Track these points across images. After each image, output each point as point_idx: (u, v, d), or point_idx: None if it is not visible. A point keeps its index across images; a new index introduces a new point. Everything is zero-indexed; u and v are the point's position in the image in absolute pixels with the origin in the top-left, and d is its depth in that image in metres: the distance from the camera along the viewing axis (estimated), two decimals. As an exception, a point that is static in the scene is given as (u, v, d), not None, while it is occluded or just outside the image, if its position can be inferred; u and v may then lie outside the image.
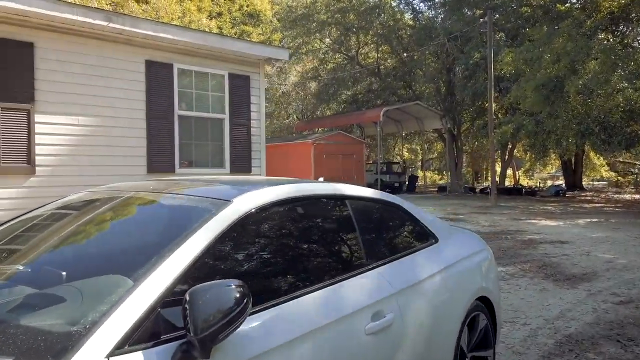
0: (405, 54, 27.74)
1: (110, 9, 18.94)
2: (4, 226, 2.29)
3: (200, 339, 1.40)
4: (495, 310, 3.32)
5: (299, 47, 29.61)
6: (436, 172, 44.99)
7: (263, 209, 2.04)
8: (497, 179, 28.55)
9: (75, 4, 6.18)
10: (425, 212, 3.17)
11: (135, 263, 1.64)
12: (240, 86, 7.29)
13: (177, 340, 1.47)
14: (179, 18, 23.45)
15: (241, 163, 7.30)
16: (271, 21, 31.49)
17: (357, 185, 2.87)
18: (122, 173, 6.02)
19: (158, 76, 6.48)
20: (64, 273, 1.77)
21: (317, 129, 28.70)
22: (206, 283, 1.51)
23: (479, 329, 3.11)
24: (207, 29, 21.58)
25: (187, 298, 1.43)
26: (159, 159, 6.43)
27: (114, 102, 6.12)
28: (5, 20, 5.32)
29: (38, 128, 5.52)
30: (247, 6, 30.82)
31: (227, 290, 1.49)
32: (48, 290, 1.70)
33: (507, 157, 29.32)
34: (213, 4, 29.61)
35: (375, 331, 2.13)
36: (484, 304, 3.19)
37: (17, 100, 5.38)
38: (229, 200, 1.96)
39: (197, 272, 1.66)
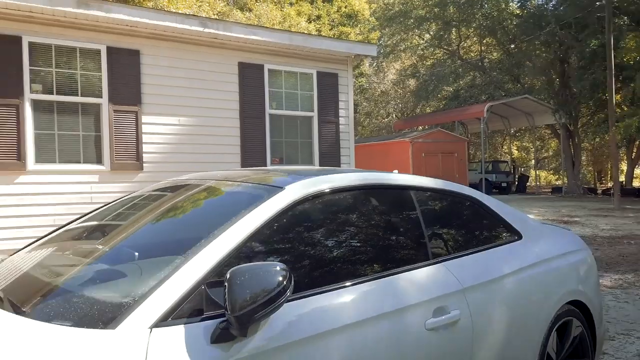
0: (512, 45, 26.06)
1: (217, 18, 20.25)
2: (100, 210, 2.54)
3: (237, 316, 1.43)
4: (594, 318, 2.98)
5: (397, 44, 29.21)
6: (551, 171, 41.61)
7: (317, 196, 2.03)
8: (623, 179, 25.67)
9: (174, 12, 6.69)
10: (511, 208, 2.93)
11: (188, 245, 1.71)
12: (328, 84, 7.37)
13: (219, 318, 1.51)
14: (279, 23, 24.35)
15: (330, 160, 7.37)
16: (368, 20, 31.43)
17: (460, 184, 2.75)
18: (218, 170, 6.38)
19: (250, 77, 6.78)
20: (136, 253, 1.92)
21: (416, 127, 28.05)
22: (248, 264, 1.54)
23: (572, 337, 2.81)
24: (305, 32, 22.13)
25: (228, 277, 1.47)
26: (252, 156, 6.72)
27: (211, 103, 6.52)
28: (116, 31, 5.91)
29: (145, 128, 6.06)
30: (345, 7, 31.08)
31: (267, 273, 1.50)
32: (117, 267, 1.84)
33: (633, 154, 26.24)
34: (312, 7, 30.31)
35: (436, 327, 2.02)
36: (580, 310, 2.88)
37: (127, 103, 5.96)
38: (282, 187, 1.98)
39: (242, 254, 1.69)
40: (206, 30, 6.24)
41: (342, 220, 2.15)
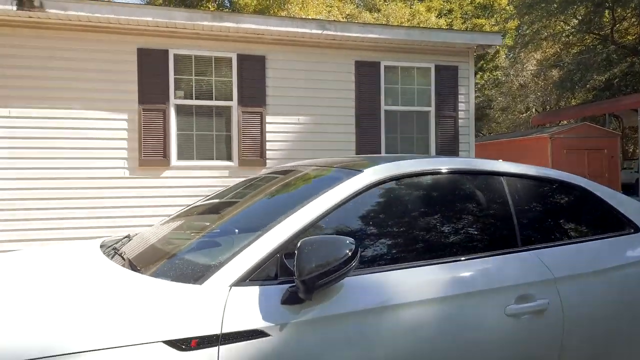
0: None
1: (345, 20, 20.82)
2: (217, 193, 2.91)
3: (303, 281, 1.59)
4: None
5: (538, 32, 26.97)
6: None
7: (395, 178, 2.11)
8: None
9: (295, 18, 7.13)
10: (629, 198, 2.67)
11: (272, 220, 1.93)
12: (447, 77, 7.21)
13: (290, 284, 1.69)
14: (407, 20, 24.16)
15: (448, 155, 7.20)
16: (505, 10, 29.53)
17: (609, 185, 2.61)
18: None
19: (366, 74, 6.95)
20: (236, 229, 2.20)
21: (558, 122, 25.65)
22: (318, 236, 1.70)
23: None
24: (435, 27, 21.64)
25: (298, 245, 1.64)
26: (366, 152, 6.88)
27: (327, 102, 6.83)
28: (245, 40, 6.52)
29: (268, 127, 6.59)
30: (479, -2, 29.64)
31: (333, 245, 1.65)
32: (217, 239, 2.14)
33: None
34: (443, 1, 29.45)
35: (517, 314, 1.97)
36: None
37: (253, 105, 6.54)
38: (360, 171, 2.10)
39: (319, 229, 1.85)
40: (324, 32, 6.56)
41: (422, 202, 2.19)
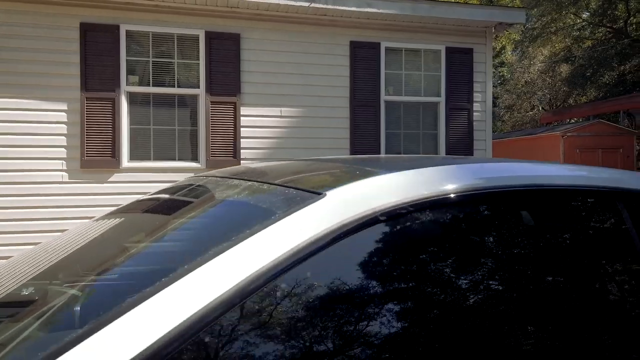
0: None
1: None
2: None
3: None
4: None
5: (547, 25, 25.74)
6: None
7: (405, 209, 0.94)
8: None
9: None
10: None
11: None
12: (460, 62, 6.02)
13: None
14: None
15: (460, 154, 6.02)
16: (511, 3, 28.29)
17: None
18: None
19: (363, 58, 5.77)
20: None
21: (568, 120, 24.47)
22: None
23: None
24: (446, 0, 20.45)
25: None
26: (363, 151, 5.71)
27: (317, 91, 5.66)
28: (216, 14, 5.35)
29: (243, 121, 5.43)
30: (485, -11, 28.40)
31: None
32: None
33: None
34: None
35: None
36: None
37: (225, 94, 5.37)
38: (319, 193, 0.93)
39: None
40: (312, 5, 5.38)
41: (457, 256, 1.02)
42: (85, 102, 4.98)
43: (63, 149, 4.96)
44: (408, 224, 0.94)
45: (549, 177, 1.16)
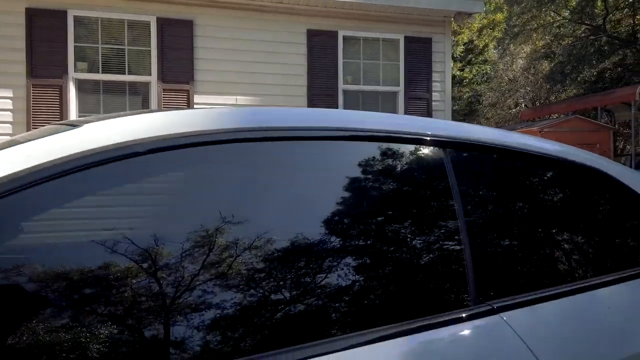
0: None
1: None
2: None
3: None
4: None
5: (527, 23, 25.91)
6: None
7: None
8: None
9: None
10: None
11: None
12: (419, 51, 5.99)
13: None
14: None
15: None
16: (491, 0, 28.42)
17: None
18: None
19: (320, 47, 5.71)
20: None
21: (548, 117, 24.67)
22: None
23: None
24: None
25: None
26: (321, 141, 5.65)
27: (273, 79, 5.59)
28: (167, 0, 5.25)
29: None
30: (467, -13, 28.50)
31: None
32: None
33: None
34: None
35: None
36: None
37: (177, 81, 5.28)
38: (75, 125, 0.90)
39: None
40: (267, -8, 5.30)
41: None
42: (32, 88, 4.86)
43: (8, 138, 4.83)
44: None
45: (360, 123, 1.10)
